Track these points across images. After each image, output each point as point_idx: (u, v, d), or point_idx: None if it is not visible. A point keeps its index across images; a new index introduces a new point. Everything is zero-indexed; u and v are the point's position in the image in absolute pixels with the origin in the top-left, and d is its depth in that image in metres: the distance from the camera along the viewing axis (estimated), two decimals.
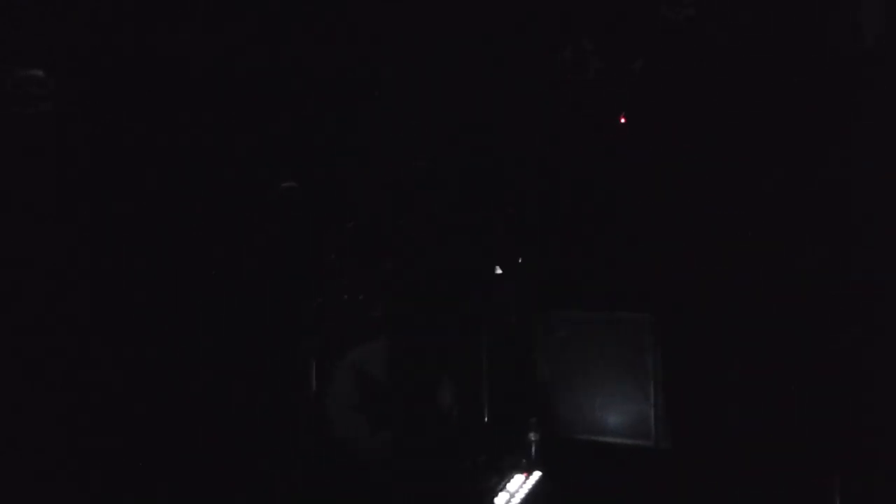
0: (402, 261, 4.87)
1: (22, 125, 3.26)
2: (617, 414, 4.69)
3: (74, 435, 3.31)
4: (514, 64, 4.36)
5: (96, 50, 3.59)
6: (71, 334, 3.37)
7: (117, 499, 3.38)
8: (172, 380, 3.66)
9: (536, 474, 4.29)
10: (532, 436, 4.46)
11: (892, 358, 3.31)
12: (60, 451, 3.25)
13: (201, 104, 4.00)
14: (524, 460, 4.40)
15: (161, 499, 3.49)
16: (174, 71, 3.89)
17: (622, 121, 4.02)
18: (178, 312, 3.72)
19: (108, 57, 3.63)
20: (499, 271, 4.92)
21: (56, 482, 3.19)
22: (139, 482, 3.42)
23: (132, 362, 3.53)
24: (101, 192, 3.53)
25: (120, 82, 3.72)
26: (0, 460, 3.08)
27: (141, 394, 3.53)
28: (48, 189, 3.33)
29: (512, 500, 4.00)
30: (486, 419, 4.69)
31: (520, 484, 4.15)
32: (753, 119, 3.43)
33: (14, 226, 3.21)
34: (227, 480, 3.69)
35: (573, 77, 4.23)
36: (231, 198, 4.06)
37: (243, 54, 4.10)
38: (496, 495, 3.99)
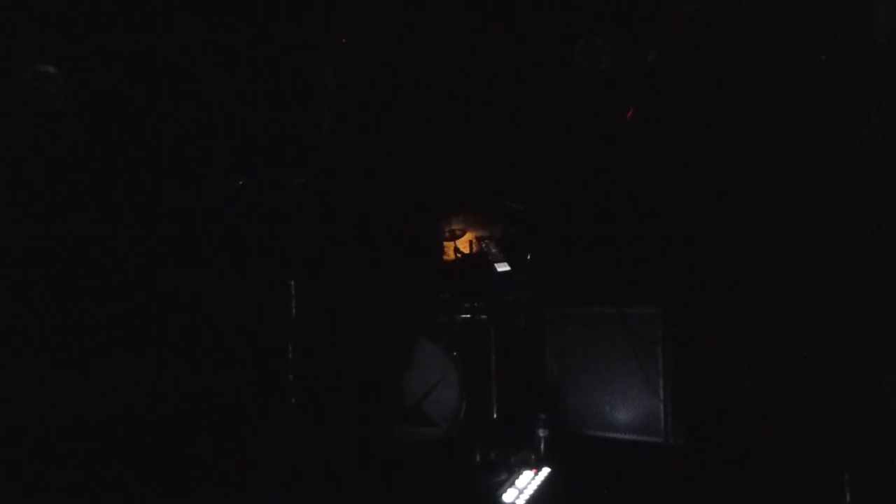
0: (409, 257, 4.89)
1: (35, 121, 3.28)
2: (626, 410, 4.67)
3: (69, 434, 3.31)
4: (525, 59, 4.34)
5: (109, 48, 3.61)
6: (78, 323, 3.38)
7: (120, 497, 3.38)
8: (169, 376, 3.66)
9: (545, 470, 4.28)
10: (541, 432, 4.44)
11: None
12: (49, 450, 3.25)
13: (212, 101, 4.01)
14: (533, 456, 4.39)
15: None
16: (185, 69, 3.90)
17: (630, 115, 3.99)
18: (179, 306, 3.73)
19: (120, 55, 3.65)
20: (507, 268, 4.91)
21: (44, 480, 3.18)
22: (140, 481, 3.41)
23: (130, 360, 3.53)
24: (108, 188, 3.55)
25: (131, 81, 3.73)
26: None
27: (136, 391, 3.53)
28: (57, 183, 3.35)
29: (521, 496, 3.98)
30: (494, 415, 4.69)
31: (529, 480, 4.14)
32: (764, 113, 3.41)
33: (23, 219, 3.22)
34: (233, 478, 3.70)
35: (584, 72, 4.21)
36: (239, 193, 4.07)
37: (252, 53, 4.11)
38: (505, 491, 3.98)
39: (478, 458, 4.42)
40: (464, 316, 4.96)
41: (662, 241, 3.98)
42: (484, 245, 4.98)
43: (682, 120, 3.67)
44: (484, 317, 4.90)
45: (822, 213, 3.41)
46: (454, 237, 5.16)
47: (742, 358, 3.71)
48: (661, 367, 4.51)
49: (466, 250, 5.21)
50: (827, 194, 3.38)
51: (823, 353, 3.45)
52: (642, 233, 4.30)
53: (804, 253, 3.46)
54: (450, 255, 5.21)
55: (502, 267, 4.89)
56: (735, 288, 3.61)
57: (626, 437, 4.66)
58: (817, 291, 3.42)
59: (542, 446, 4.44)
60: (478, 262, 4.98)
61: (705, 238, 3.68)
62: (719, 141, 3.54)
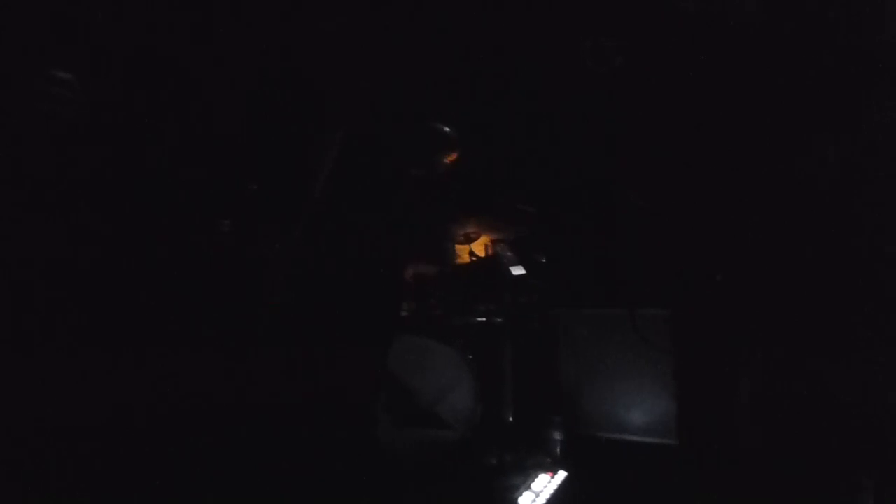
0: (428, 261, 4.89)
1: (48, 127, 3.30)
2: (640, 412, 4.65)
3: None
4: (536, 60, 4.33)
5: (123, 55, 3.63)
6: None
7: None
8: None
9: (561, 474, 4.27)
10: (556, 435, 4.44)
11: None
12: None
13: (227, 108, 4.03)
14: (549, 459, 4.38)
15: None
16: (202, 77, 3.92)
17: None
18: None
19: (134, 62, 3.67)
20: (522, 271, 4.91)
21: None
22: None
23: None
24: (121, 194, 3.57)
25: (145, 88, 3.76)
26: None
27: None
28: (58, 183, 3.36)
29: (537, 499, 3.97)
30: (510, 418, 4.69)
31: (545, 484, 4.13)
32: (774, 112, 3.39)
33: (32, 224, 3.24)
34: (246, 476, 3.69)
35: (593, 73, 4.20)
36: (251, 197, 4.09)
37: (268, 59, 4.12)
38: (521, 495, 3.97)
39: (493, 461, 4.42)
40: (479, 319, 4.97)
41: (669, 243, 3.96)
42: (499, 248, 4.98)
43: (691, 120, 3.65)
44: (499, 320, 4.90)
45: (828, 213, 3.39)
46: (469, 240, 5.17)
47: (750, 359, 3.69)
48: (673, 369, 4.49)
49: (481, 253, 5.22)
50: (833, 195, 3.36)
51: (834, 356, 3.42)
52: (653, 234, 4.29)
53: (812, 254, 3.43)
54: (464, 258, 5.22)
55: (517, 270, 4.90)
56: (742, 289, 3.59)
57: (642, 439, 4.64)
58: (828, 293, 3.39)
59: (557, 449, 4.43)
60: (492, 265, 4.99)
61: (709, 240, 3.66)
62: (729, 141, 3.51)
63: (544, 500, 4.00)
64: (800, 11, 3.22)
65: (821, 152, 3.32)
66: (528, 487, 4.07)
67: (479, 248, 5.21)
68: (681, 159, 3.66)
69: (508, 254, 4.91)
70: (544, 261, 4.96)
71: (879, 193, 3.18)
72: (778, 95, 3.34)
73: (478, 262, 5.16)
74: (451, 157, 4.74)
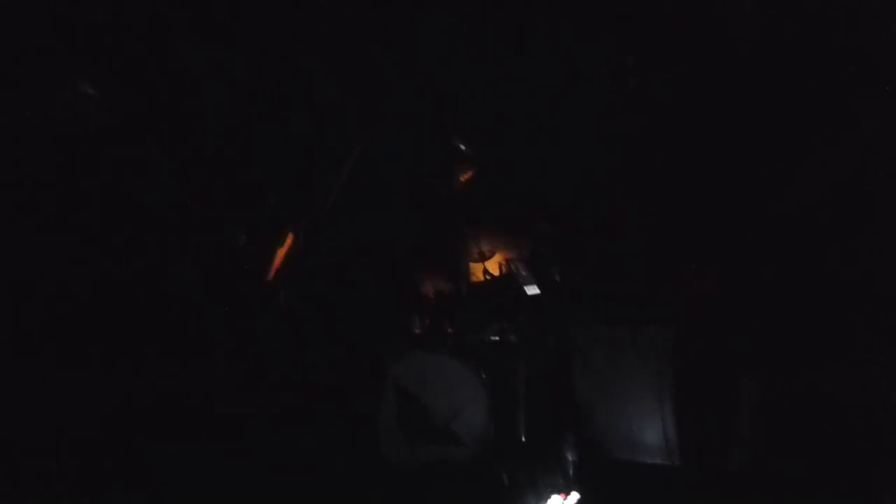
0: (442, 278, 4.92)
1: (73, 137, 3.44)
2: (655, 433, 4.54)
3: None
4: (550, 76, 4.38)
5: (148, 69, 3.77)
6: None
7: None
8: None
9: (574, 495, 4.19)
10: (569, 455, 4.37)
11: None
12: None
13: (247, 122, 4.15)
14: (562, 480, 4.31)
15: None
16: (219, 91, 4.04)
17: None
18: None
19: (157, 75, 3.81)
20: (537, 291, 4.89)
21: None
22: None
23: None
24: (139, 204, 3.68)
25: (170, 101, 3.89)
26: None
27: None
28: (59, 186, 3.47)
29: None
30: (523, 437, 4.63)
31: None
32: (773, 113, 3.37)
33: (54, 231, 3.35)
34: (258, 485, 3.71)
35: (610, 90, 4.22)
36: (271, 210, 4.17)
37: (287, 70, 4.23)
38: None
39: (505, 480, 4.37)
40: (493, 337, 4.95)
41: (672, 252, 3.93)
42: (514, 267, 4.98)
43: (697, 136, 3.65)
44: (513, 338, 4.88)
45: (827, 214, 3.34)
46: (483, 258, 5.18)
47: (751, 363, 3.62)
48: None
49: (496, 272, 5.21)
50: (833, 195, 3.32)
51: (835, 357, 3.34)
52: (657, 245, 4.26)
53: (812, 255, 3.38)
54: (479, 276, 5.22)
55: (532, 290, 4.88)
56: (741, 291, 3.54)
57: (656, 461, 4.53)
58: (828, 294, 3.33)
59: (570, 470, 4.35)
60: (507, 283, 4.99)
61: (713, 252, 3.63)
62: (722, 144, 3.51)
63: None
64: (799, 11, 3.22)
65: (821, 153, 3.29)
66: None
67: (494, 266, 5.21)
68: (681, 160, 3.66)
69: (523, 273, 4.90)
70: (559, 279, 4.93)
71: (879, 193, 3.13)
72: (777, 96, 3.33)
73: (492, 281, 5.15)
74: (467, 175, 4.79)
